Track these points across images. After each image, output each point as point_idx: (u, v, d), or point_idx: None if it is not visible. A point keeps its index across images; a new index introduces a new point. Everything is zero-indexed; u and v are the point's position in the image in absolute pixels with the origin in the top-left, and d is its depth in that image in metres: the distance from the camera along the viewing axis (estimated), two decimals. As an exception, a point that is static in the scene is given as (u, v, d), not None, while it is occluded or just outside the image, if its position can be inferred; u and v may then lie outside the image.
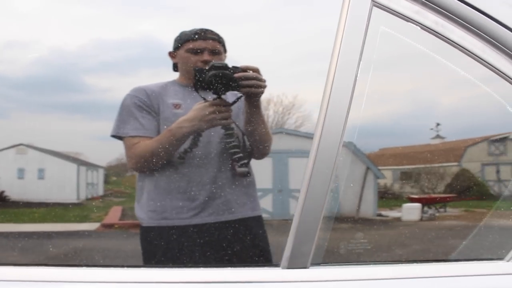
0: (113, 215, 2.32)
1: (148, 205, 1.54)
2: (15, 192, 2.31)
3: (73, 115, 2.01)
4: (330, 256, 1.43)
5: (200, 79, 1.41)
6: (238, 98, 1.47)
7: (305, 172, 1.12)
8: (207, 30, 1.54)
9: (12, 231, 2.23)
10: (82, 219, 2.31)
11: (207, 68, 1.42)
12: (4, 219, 2.30)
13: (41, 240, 1.91)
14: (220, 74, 1.40)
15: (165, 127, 1.50)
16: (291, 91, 2.10)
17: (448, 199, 2.83)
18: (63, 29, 1.73)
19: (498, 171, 2.79)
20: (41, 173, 2.37)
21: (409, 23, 1.17)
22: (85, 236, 2.11)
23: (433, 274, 1.15)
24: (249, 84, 1.42)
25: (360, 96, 1.16)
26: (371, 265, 1.17)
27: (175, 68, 1.60)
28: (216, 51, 1.54)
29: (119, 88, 1.82)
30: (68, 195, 2.45)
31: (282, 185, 2.15)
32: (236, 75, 1.41)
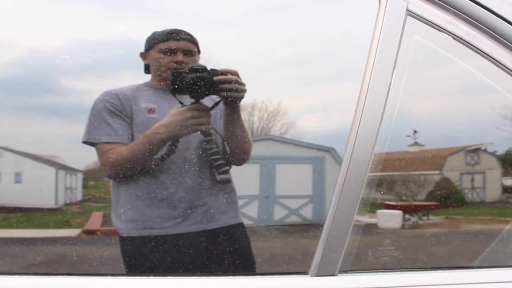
0: (94, 221, 2.27)
1: (127, 215, 1.49)
2: (-11, 197, 2.25)
3: (50, 117, 1.96)
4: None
5: (178, 82, 1.36)
6: (217, 103, 1.43)
7: (338, 179, 1.11)
8: (180, 30, 1.50)
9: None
10: (61, 225, 2.26)
11: (185, 71, 1.37)
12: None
13: (19, 247, 1.86)
14: (199, 77, 1.35)
15: (139, 133, 1.45)
16: (275, 98, 2.08)
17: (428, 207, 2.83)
18: (40, 29, 1.69)
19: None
20: (18, 177, 2.31)
21: (442, 33, 1.19)
22: (66, 243, 2.06)
23: (457, 281, 1.16)
24: (229, 88, 1.38)
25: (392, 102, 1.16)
26: (398, 272, 1.18)
27: (147, 69, 1.55)
28: (190, 51, 1.51)
29: (97, 90, 1.78)
30: (46, 200, 2.39)
31: (269, 192, 2.13)
32: (215, 78, 1.37)
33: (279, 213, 2.17)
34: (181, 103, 1.40)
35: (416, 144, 2.33)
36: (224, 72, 1.38)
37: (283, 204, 2.17)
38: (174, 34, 1.49)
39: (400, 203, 2.84)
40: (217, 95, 1.40)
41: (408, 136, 2.21)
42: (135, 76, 1.67)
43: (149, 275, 1.12)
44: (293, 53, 1.84)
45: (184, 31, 1.49)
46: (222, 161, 1.45)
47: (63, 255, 1.75)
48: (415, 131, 2.20)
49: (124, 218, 1.49)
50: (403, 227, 2.67)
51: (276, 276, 1.14)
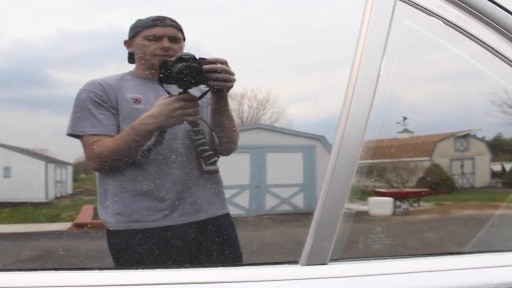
0: (85, 214, 2.26)
1: (114, 208, 1.47)
2: (-21, 192, 2.24)
3: (38, 110, 1.94)
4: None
5: (166, 72, 1.33)
6: (205, 93, 1.41)
7: (327, 166, 1.10)
8: (164, 17, 1.47)
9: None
10: (51, 219, 2.25)
11: (173, 60, 1.35)
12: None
13: (9, 241, 1.85)
14: (188, 67, 1.33)
15: (125, 124, 1.42)
16: (265, 86, 2.08)
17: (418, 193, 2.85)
18: (26, 21, 1.67)
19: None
20: (7, 171, 2.29)
21: (431, 17, 1.18)
22: (56, 237, 2.05)
23: (450, 267, 1.16)
24: (218, 77, 1.35)
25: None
26: (389, 260, 1.17)
27: (131, 58, 1.52)
28: (176, 37, 1.48)
29: (85, 82, 1.77)
30: (36, 194, 2.38)
31: (260, 181, 2.13)
32: (204, 67, 1.35)
33: (270, 203, 2.17)
34: (168, 93, 1.38)
35: (406, 131, 2.34)
36: (213, 61, 1.36)
37: (274, 193, 2.17)
38: (159, 21, 1.46)
39: (390, 190, 2.86)
40: (205, 84, 1.37)
41: (398, 123, 2.22)
42: (123, 67, 1.65)
43: (137, 268, 1.12)
44: (282, 41, 1.84)
45: (168, 18, 1.47)
46: (210, 152, 1.43)
47: (54, 249, 1.74)
48: (404, 118, 2.21)
49: (110, 211, 1.46)
50: (394, 214, 2.69)
51: (266, 266, 1.14)
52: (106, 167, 1.44)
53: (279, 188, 2.19)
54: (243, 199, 2.08)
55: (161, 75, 1.33)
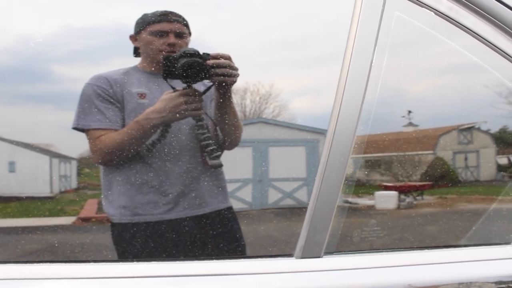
0: (89, 208, 2.27)
1: (118, 201, 1.48)
2: (-16, 186, 2.26)
3: (43, 105, 1.95)
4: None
5: (170, 67, 1.35)
6: (209, 88, 1.42)
7: (321, 160, 1.11)
8: (171, 12, 1.48)
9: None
10: (56, 213, 2.26)
11: (177, 55, 1.36)
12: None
13: (15, 235, 1.87)
14: (191, 62, 1.34)
15: (130, 119, 1.43)
16: (267, 80, 2.07)
17: (422, 186, 2.85)
18: (31, 16, 1.67)
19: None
20: (12, 166, 2.31)
21: (424, 8, 1.17)
22: (61, 231, 2.07)
23: (445, 260, 1.16)
24: (221, 73, 1.37)
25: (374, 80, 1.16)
26: (385, 253, 1.18)
27: (136, 52, 1.53)
28: (182, 33, 1.49)
29: (90, 77, 1.77)
30: (41, 188, 2.39)
31: (262, 175, 2.14)
32: (208, 62, 1.35)
33: (273, 196, 2.18)
34: (172, 88, 1.39)
35: (410, 124, 2.33)
36: (216, 57, 1.37)
37: (277, 187, 2.18)
38: (165, 16, 1.47)
39: (395, 183, 2.86)
40: (209, 79, 1.38)
41: (403, 116, 2.22)
42: (128, 62, 1.66)
43: (140, 261, 1.13)
44: (285, 36, 1.84)
45: (175, 13, 1.47)
46: (213, 146, 1.44)
47: (58, 243, 1.76)
48: (409, 112, 2.21)
49: (115, 204, 1.48)
50: (398, 207, 2.69)
51: (261, 259, 1.14)
52: (111, 161, 1.45)
53: (282, 182, 2.19)
54: (246, 193, 2.08)
55: (165, 70, 1.34)
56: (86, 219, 2.21)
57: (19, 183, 2.33)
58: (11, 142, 2.30)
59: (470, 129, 2.79)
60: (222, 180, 1.53)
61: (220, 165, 1.48)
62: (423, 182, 2.87)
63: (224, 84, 1.40)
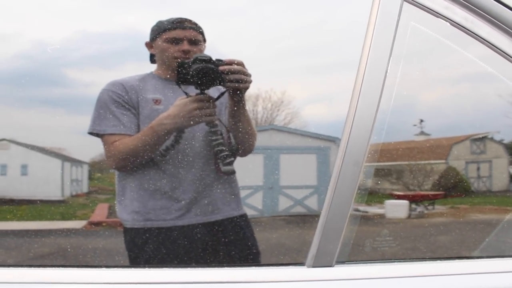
0: (100, 212, 2.28)
1: (132, 206, 1.49)
2: (-3, 189, 2.28)
3: (56, 109, 1.97)
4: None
5: (183, 73, 1.35)
6: (222, 93, 1.42)
7: (334, 169, 1.10)
8: (185, 19, 1.49)
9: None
10: (67, 217, 2.28)
11: (190, 61, 1.36)
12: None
13: (26, 239, 1.87)
14: (205, 68, 1.34)
15: (145, 124, 1.44)
16: (279, 87, 2.07)
17: (433, 196, 2.83)
18: (45, 21, 1.69)
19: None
20: (24, 169, 2.32)
21: (439, 19, 1.17)
22: (72, 235, 2.07)
23: (457, 271, 1.14)
24: (234, 79, 1.37)
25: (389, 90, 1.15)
26: (396, 263, 1.16)
27: (152, 59, 1.54)
28: (196, 40, 1.49)
29: (103, 82, 1.78)
30: (53, 192, 2.41)
31: (273, 182, 2.13)
32: (221, 68, 1.36)
33: (284, 204, 2.17)
34: (186, 94, 1.39)
35: (422, 133, 2.32)
36: (229, 63, 1.37)
37: (288, 195, 2.17)
38: (180, 23, 1.48)
39: (407, 192, 2.83)
40: (222, 85, 1.38)
41: (415, 125, 2.21)
42: (140, 67, 1.66)
43: (151, 267, 1.13)
44: (298, 43, 1.84)
45: (189, 20, 1.48)
46: (226, 153, 1.44)
47: (69, 246, 1.76)
48: (421, 120, 2.20)
49: (128, 209, 1.49)
50: (409, 217, 2.67)
51: (272, 267, 1.14)
52: (125, 166, 1.46)
53: (293, 189, 2.18)
54: (257, 200, 2.08)
55: (179, 76, 1.35)
56: (96, 224, 2.22)
57: (31, 186, 2.35)
58: (24, 145, 2.32)
59: (483, 139, 2.77)
60: (235, 187, 1.53)
61: (233, 172, 1.48)
62: (435, 191, 2.85)
63: (237, 90, 1.40)
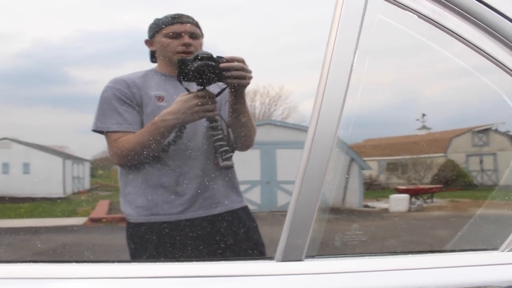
0: (100, 209, 2.31)
1: (135, 201, 1.50)
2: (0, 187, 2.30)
3: (57, 108, 1.98)
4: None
5: (184, 70, 1.37)
6: (223, 90, 1.44)
7: (300, 164, 1.11)
8: (182, 14, 1.50)
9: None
10: (69, 214, 2.30)
11: (190, 58, 1.38)
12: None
13: (28, 236, 1.89)
14: (205, 66, 1.36)
15: (148, 121, 1.45)
16: (277, 82, 2.09)
17: (435, 189, 2.85)
18: (46, 21, 1.71)
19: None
20: (26, 168, 2.35)
21: (406, 11, 1.16)
22: (73, 231, 2.10)
23: (428, 265, 1.14)
24: (235, 75, 1.38)
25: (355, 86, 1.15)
26: (366, 257, 1.16)
27: (153, 58, 1.55)
28: (196, 34, 1.51)
29: (103, 80, 1.79)
30: (54, 190, 2.43)
31: (270, 177, 2.14)
32: (221, 65, 1.37)
33: (281, 199, 2.18)
34: (187, 90, 1.41)
35: (424, 127, 2.34)
36: (230, 60, 1.40)
37: (285, 190, 2.18)
38: (177, 18, 1.49)
39: (408, 187, 2.85)
40: (223, 82, 1.40)
41: (418, 119, 2.22)
42: (140, 65, 1.68)
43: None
44: (297, 39, 1.85)
45: (186, 15, 1.50)
46: (226, 147, 1.46)
47: (70, 243, 1.78)
48: (423, 115, 2.21)
49: (133, 204, 1.50)
50: (409, 210, 2.69)
51: (241, 261, 1.14)
52: (129, 162, 1.48)
53: (290, 184, 2.20)
54: (254, 195, 2.09)
55: (179, 73, 1.37)
56: (97, 220, 2.24)
57: (33, 184, 2.37)
58: (25, 144, 2.34)
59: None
60: (235, 180, 1.54)
61: (231, 166, 1.49)
62: (434, 185, 2.87)
63: (237, 86, 1.43)
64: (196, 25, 1.51)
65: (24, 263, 1.09)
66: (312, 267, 1.09)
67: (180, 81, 1.38)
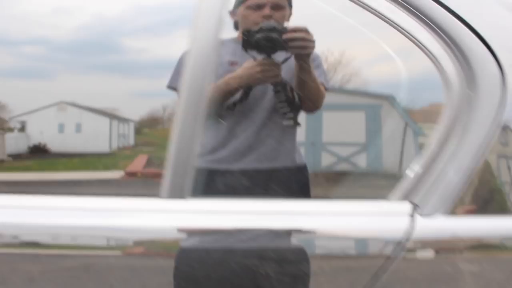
0: (138, 163, 2.43)
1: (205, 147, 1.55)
2: (55, 145, 2.46)
3: (112, 74, 2.10)
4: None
5: (248, 40, 1.42)
6: (287, 58, 1.48)
7: (177, 111, 1.13)
8: None
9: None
10: (110, 168, 2.44)
11: (255, 30, 1.42)
12: (45, 168, 2.44)
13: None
14: (267, 38, 1.40)
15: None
16: (337, 48, 2.04)
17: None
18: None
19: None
20: (78, 127, 2.50)
21: None
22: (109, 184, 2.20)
23: (311, 208, 1.15)
24: (297, 45, 1.42)
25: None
26: (248, 199, 1.17)
27: (236, 27, 1.59)
28: (279, 5, 1.52)
29: (153, 48, 1.89)
30: (101, 147, 2.58)
31: (315, 138, 2.18)
32: (284, 36, 1.40)
33: (325, 160, 2.24)
34: (253, 58, 1.45)
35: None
36: (293, 30, 1.41)
37: (332, 151, 2.24)
38: None
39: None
40: (286, 51, 1.44)
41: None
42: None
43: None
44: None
45: None
46: (289, 109, 1.49)
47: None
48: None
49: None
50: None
51: (128, 197, 1.15)
52: None
53: (337, 146, 2.25)
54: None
55: (244, 43, 1.44)
56: (132, 174, 2.35)
57: (83, 141, 2.53)
58: (79, 106, 2.48)
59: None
60: (294, 140, 1.59)
61: (294, 125, 1.54)
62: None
63: (301, 55, 1.44)
64: None
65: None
66: (195, 205, 1.12)
67: (245, 50, 1.44)
